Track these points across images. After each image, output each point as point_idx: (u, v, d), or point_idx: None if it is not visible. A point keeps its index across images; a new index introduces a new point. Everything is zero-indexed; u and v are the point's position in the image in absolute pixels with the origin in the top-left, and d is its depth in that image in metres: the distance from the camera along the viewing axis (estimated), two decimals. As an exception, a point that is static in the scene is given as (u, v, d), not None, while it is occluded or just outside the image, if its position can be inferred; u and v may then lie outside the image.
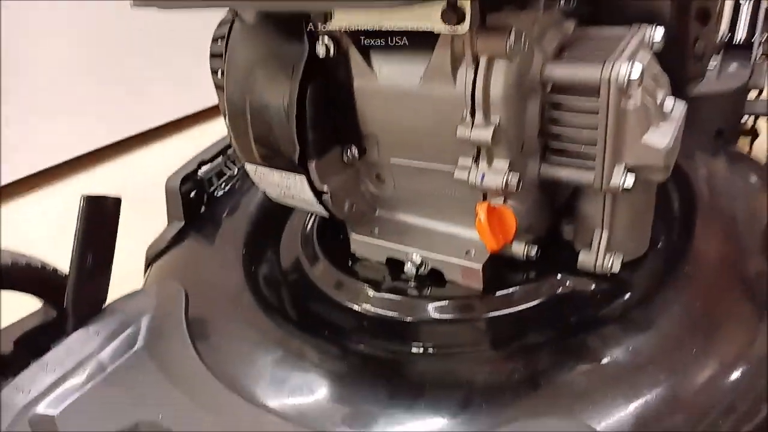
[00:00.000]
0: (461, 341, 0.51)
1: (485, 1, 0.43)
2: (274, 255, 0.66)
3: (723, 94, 0.68)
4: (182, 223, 0.71)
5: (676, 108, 0.47)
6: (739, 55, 0.73)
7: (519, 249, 0.54)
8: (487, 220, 0.46)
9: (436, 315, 0.53)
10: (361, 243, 0.59)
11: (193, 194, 0.74)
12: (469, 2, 0.40)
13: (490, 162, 0.47)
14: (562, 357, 0.46)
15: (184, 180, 0.71)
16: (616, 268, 0.51)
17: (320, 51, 0.48)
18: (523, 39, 0.43)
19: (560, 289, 0.52)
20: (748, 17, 0.75)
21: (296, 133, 0.49)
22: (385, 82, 0.49)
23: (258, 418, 0.46)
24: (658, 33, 0.48)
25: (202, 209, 0.75)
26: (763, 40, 0.75)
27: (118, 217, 0.59)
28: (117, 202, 0.59)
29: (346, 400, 0.47)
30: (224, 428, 0.46)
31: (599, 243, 0.51)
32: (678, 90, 0.53)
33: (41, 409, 0.50)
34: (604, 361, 0.45)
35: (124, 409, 0.49)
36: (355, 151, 0.54)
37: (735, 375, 0.45)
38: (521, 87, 0.45)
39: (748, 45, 0.74)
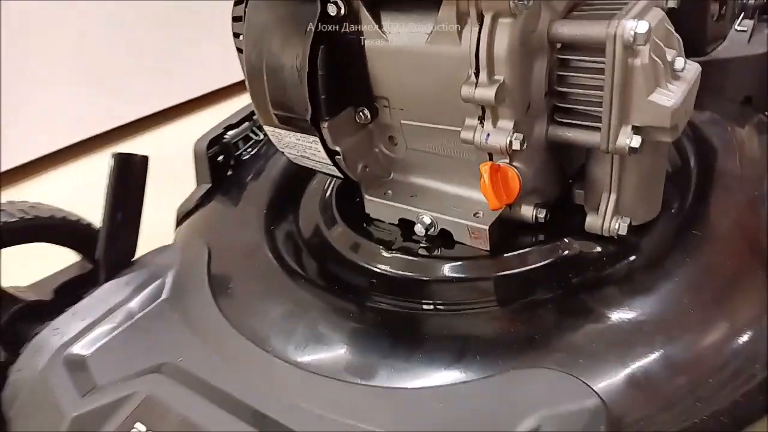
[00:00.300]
0: (466, 299, 0.52)
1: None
2: (293, 216, 0.68)
3: (752, 58, 0.65)
4: (209, 185, 0.74)
5: (688, 69, 0.46)
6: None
7: (528, 212, 0.54)
8: (490, 179, 0.47)
9: (444, 274, 0.55)
10: (374, 204, 0.61)
11: (220, 158, 0.77)
12: (471, -41, 0.41)
13: (495, 122, 0.47)
14: (560, 315, 0.47)
15: (211, 143, 0.74)
16: (623, 231, 0.51)
17: (331, 10, 0.50)
18: (527, -3, 0.43)
19: (567, 252, 0.53)
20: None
21: (308, 93, 0.51)
22: (394, 41, 0.50)
23: (268, 363, 0.49)
24: (672, -9, 0.47)
25: (229, 172, 0.78)
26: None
27: (146, 174, 0.63)
28: (144, 159, 0.63)
29: (351, 351, 0.49)
30: (238, 372, 0.49)
31: (607, 206, 0.51)
32: (698, 50, 0.52)
33: (75, 350, 0.55)
34: (602, 320, 0.46)
35: (148, 353, 0.53)
36: (367, 112, 0.55)
37: (739, 342, 0.45)
38: (527, 45, 0.45)
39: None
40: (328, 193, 0.68)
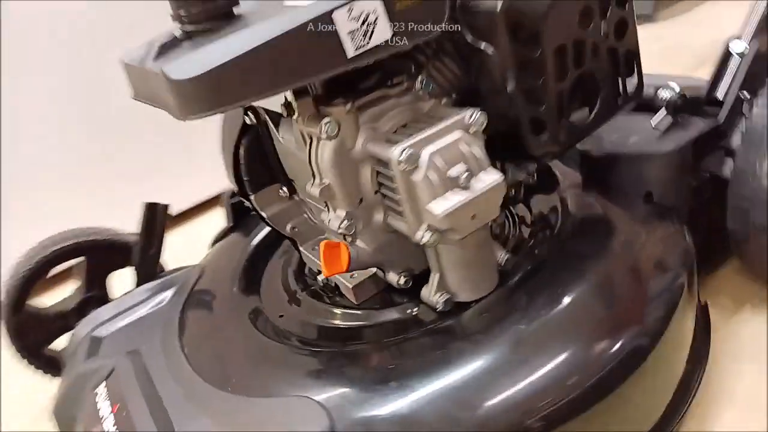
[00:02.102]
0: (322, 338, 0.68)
1: (317, 99, 0.60)
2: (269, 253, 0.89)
3: (655, 156, 0.69)
4: (231, 224, 0.98)
5: (479, 182, 0.57)
6: (706, 113, 0.71)
7: (393, 278, 0.68)
8: (323, 253, 0.62)
9: (330, 322, 0.71)
10: (304, 255, 0.79)
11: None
12: (294, 101, 0.58)
13: (335, 210, 0.63)
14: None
15: (233, 194, 0.98)
16: (440, 306, 0.62)
17: (247, 120, 0.70)
18: (337, 124, 0.58)
19: (408, 312, 0.66)
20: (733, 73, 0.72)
21: (234, 175, 0.72)
22: (284, 144, 0.68)
23: (188, 375, 0.69)
24: (473, 117, 0.58)
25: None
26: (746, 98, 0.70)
27: (165, 216, 0.89)
28: (165, 207, 0.89)
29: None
30: (166, 372, 0.70)
31: (432, 282, 0.63)
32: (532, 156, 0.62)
33: (97, 331, 0.82)
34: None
35: (133, 341, 0.78)
36: (285, 189, 0.74)
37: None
38: (347, 158, 0.60)
39: (718, 102, 0.71)
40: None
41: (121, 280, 0.95)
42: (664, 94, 0.71)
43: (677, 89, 0.71)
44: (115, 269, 0.94)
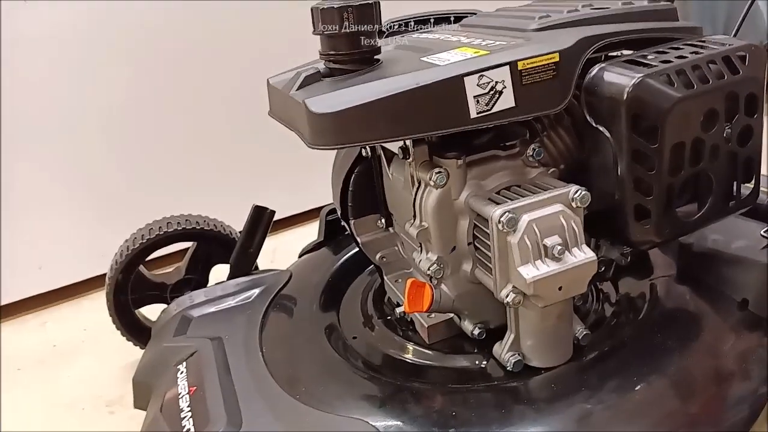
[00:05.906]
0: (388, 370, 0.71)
1: (432, 148, 0.64)
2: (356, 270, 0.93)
3: (754, 264, 0.67)
4: (321, 239, 1.04)
5: (572, 257, 0.58)
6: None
7: (468, 327, 0.71)
8: (408, 290, 0.66)
9: (399, 354, 0.74)
10: (387, 284, 0.83)
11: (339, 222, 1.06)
12: (411, 146, 0.63)
13: (426, 253, 0.67)
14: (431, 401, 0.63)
15: (331, 211, 1.04)
16: (510, 365, 0.64)
17: (363, 152, 0.75)
18: (446, 175, 0.62)
19: (476, 363, 0.68)
20: None
21: (340, 200, 0.77)
22: (392, 181, 0.73)
23: (263, 376, 0.74)
24: (578, 194, 0.59)
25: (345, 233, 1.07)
26: None
27: (270, 221, 0.97)
28: (272, 213, 0.96)
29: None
30: (242, 365, 0.76)
31: (506, 340, 0.65)
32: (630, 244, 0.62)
33: (189, 312, 0.90)
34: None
35: (218, 328, 0.85)
36: (383, 221, 0.79)
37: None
38: (449, 207, 0.64)
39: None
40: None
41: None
42: (781, 205, 0.70)
43: (796, 202, 0.69)
44: (220, 262, 1.02)
